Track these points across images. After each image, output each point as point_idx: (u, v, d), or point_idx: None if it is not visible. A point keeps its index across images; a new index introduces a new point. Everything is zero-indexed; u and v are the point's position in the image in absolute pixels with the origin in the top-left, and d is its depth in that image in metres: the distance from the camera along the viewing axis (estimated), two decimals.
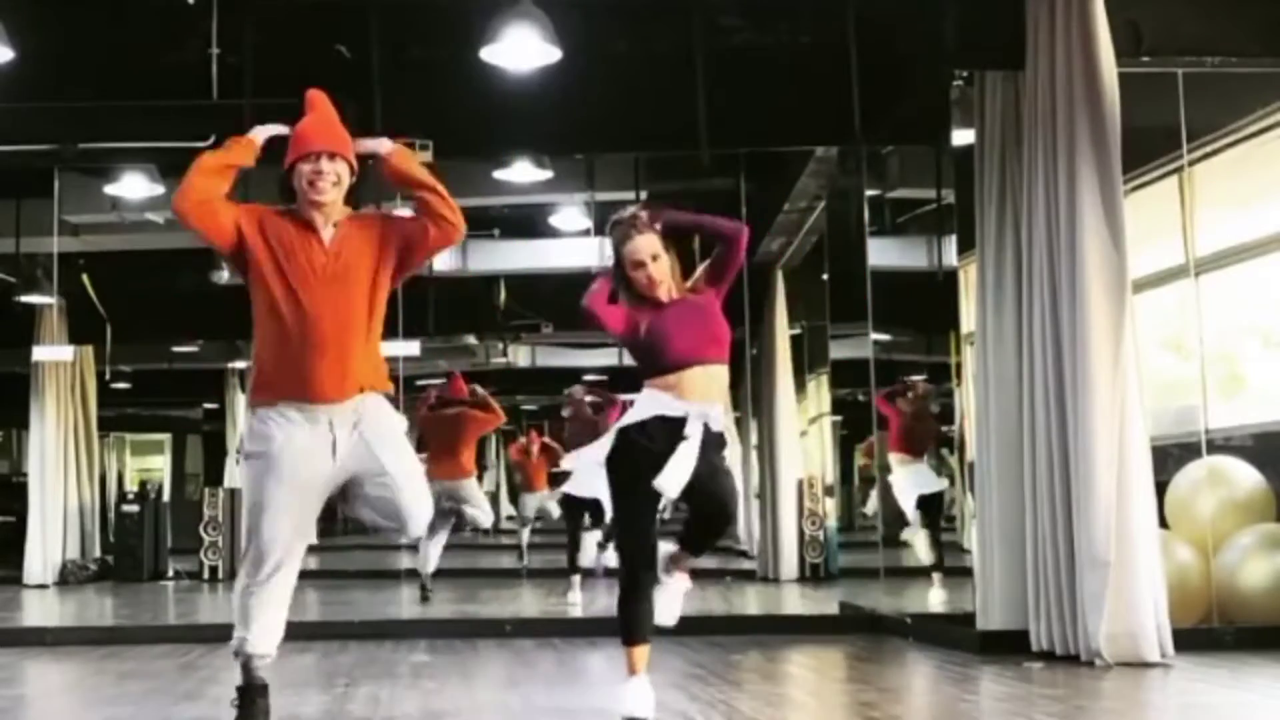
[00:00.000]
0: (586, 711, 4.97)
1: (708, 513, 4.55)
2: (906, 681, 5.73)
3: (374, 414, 4.11)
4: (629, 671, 4.58)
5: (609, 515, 9.53)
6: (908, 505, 9.19)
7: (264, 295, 4.05)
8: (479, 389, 10.49)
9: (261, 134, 4.20)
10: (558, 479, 18.38)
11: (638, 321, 4.55)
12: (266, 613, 4.15)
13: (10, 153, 7.89)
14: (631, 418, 4.49)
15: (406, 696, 5.34)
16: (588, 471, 9.50)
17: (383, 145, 4.24)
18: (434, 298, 12.89)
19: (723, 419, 4.57)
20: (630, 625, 4.56)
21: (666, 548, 4.59)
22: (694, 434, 4.40)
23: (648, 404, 4.49)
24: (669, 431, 4.39)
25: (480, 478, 11.33)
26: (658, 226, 4.57)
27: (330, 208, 4.12)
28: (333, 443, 4.03)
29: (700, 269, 4.68)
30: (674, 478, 4.37)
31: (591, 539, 10.53)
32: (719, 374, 4.56)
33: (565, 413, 10.82)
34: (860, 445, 11.87)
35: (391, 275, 4.19)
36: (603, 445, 4.57)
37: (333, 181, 4.08)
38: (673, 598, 4.61)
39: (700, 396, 4.46)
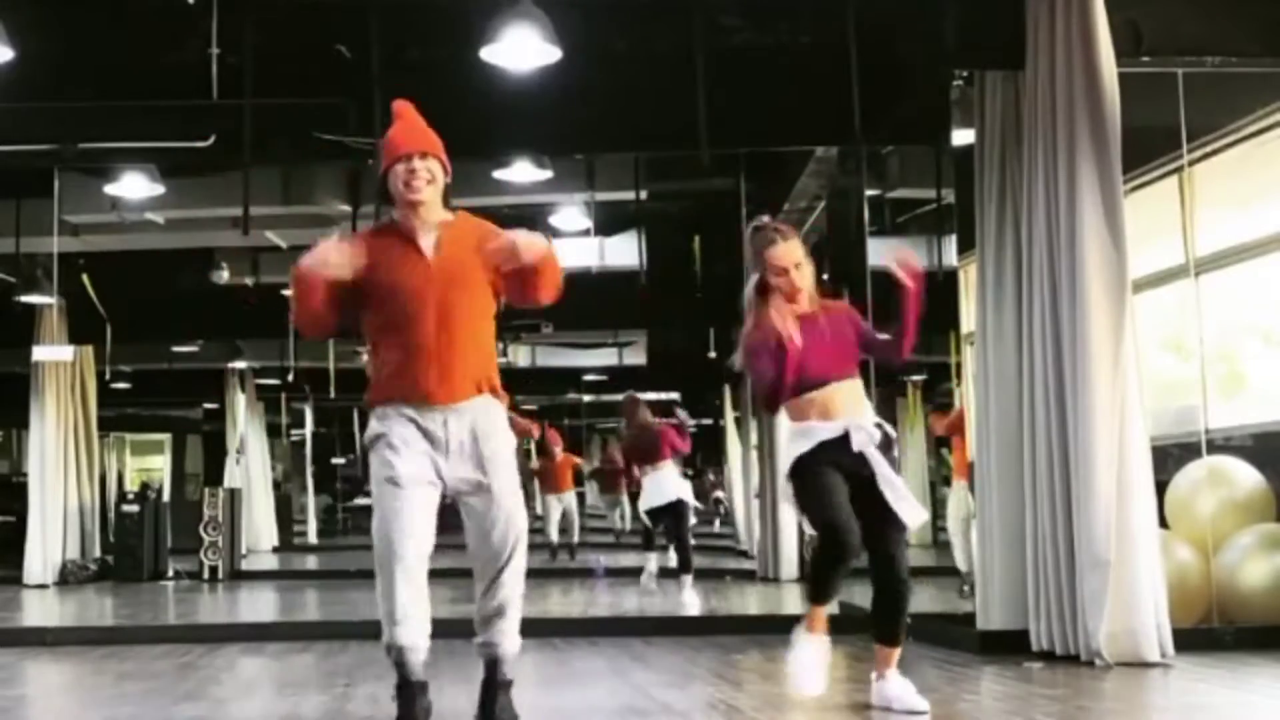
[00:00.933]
0: (586, 711, 4.96)
1: (876, 567, 4.58)
2: None
3: (487, 423, 4.09)
4: (808, 627, 4.57)
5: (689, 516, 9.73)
6: None
7: (377, 310, 4.09)
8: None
9: (318, 260, 4.09)
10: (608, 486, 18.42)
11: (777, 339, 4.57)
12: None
13: (10, 153, 7.88)
14: (800, 449, 4.56)
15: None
16: (655, 487, 9.68)
17: (534, 248, 4.03)
18: None
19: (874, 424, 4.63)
20: (821, 585, 4.57)
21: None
22: (862, 445, 4.50)
23: (802, 440, 4.57)
24: (837, 452, 4.49)
25: None
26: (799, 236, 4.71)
27: (428, 207, 4.13)
28: (445, 443, 4.03)
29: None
30: (909, 505, 4.52)
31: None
32: (855, 388, 4.66)
33: (626, 431, 10.57)
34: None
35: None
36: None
37: (427, 180, 4.10)
38: (906, 689, 4.57)
39: (844, 413, 4.55)
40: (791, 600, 10.33)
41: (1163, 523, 6.61)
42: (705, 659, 6.42)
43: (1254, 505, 6.83)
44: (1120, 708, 4.96)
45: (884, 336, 4.83)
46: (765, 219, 4.79)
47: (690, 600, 9.31)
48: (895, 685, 4.58)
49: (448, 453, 4.04)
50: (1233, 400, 7.60)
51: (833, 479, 4.50)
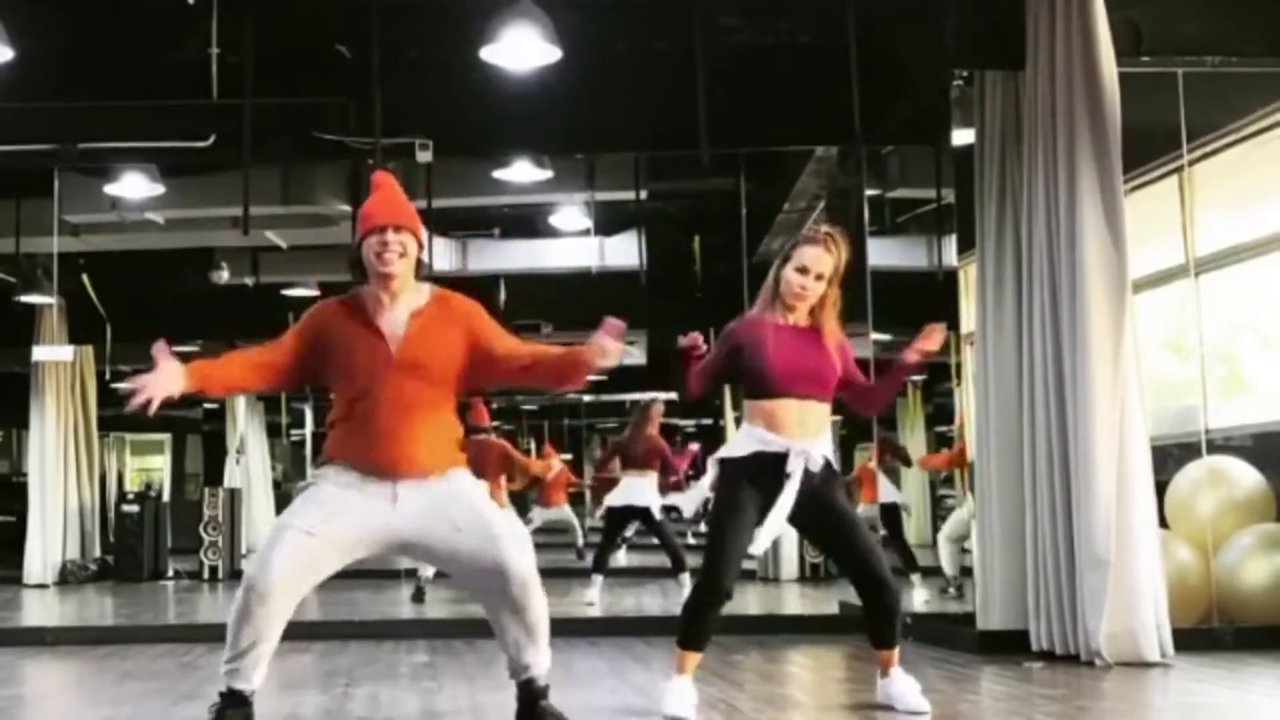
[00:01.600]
0: (586, 711, 4.96)
1: (866, 591, 4.59)
2: None
3: (448, 489, 4.07)
4: (677, 670, 4.63)
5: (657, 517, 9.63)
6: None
7: (335, 383, 4.12)
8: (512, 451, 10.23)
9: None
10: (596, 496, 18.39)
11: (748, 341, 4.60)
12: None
13: (10, 153, 7.88)
14: (735, 450, 4.57)
15: (406, 696, 5.34)
16: (629, 489, 9.61)
17: (610, 353, 3.97)
18: None
19: (827, 453, 4.59)
20: (694, 631, 4.62)
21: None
22: (795, 471, 4.45)
23: (745, 441, 4.56)
24: (770, 468, 4.47)
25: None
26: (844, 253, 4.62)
27: (400, 280, 4.11)
28: (393, 502, 4.00)
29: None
30: (767, 535, 4.51)
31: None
32: (817, 412, 4.59)
33: (628, 430, 10.34)
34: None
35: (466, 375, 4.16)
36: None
37: (399, 253, 4.06)
38: (910, 688, 4.58)
39: (794, 433, 4.50)
40: (791, 600, 10.34)
41: (1163, 523, 6.61)
42: (705, 659, 6.40)
43: (1254, 505, 6.83)
44: (1120, 708, 4.96)
45: (865, 382, 4.78)
46: (823, 226, 4.75)
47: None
48: (899, 684, 4.59)
49: (394, 518, 4.02)
50: (1232, 400, 7.61)
51: (745, 509, 4.49)
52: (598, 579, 9.79)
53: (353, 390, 4.06)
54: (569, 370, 4.09)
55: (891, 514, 9.74)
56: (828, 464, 4.56)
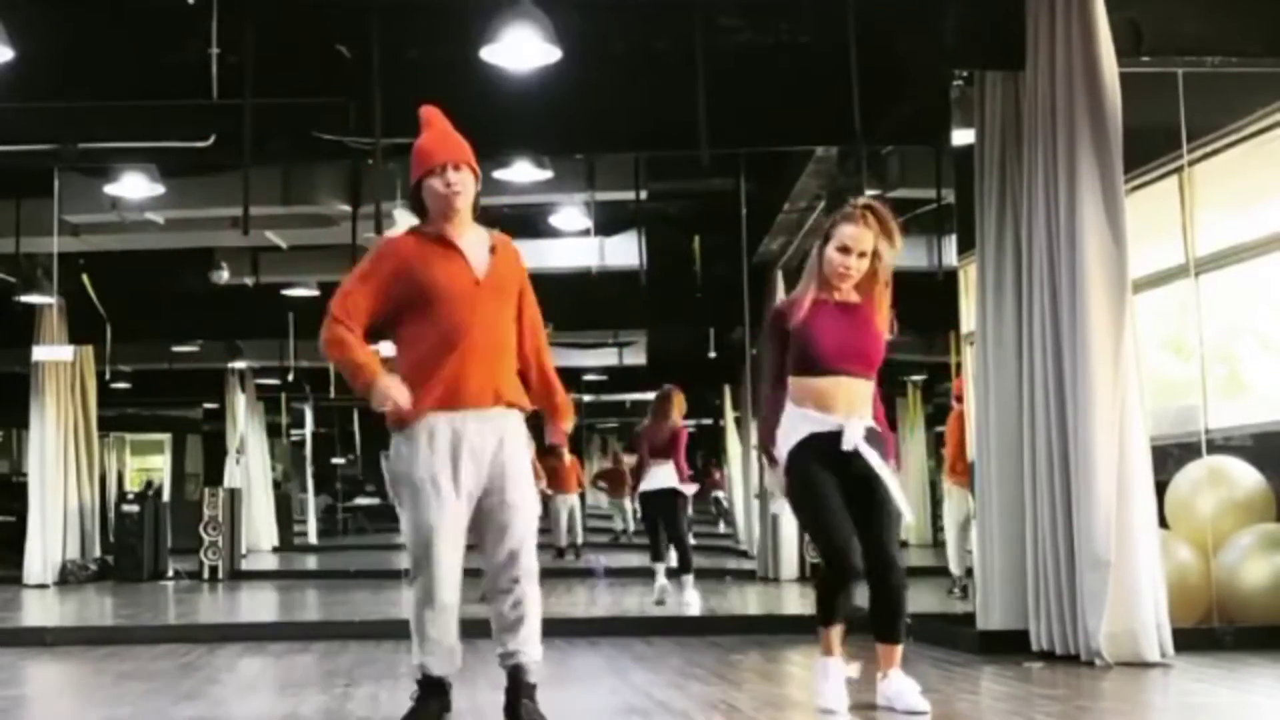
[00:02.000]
0: (586, 711, 4.97)
1: (874, 573, 4.55)
2: None
3: (512, 434, 4.15)
4: (823, 650, 4.61)
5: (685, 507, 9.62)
6: None
7: (418, 315, 4.09)
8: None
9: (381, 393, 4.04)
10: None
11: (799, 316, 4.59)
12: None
13: (10, 153, 7.88)
14: (791, 441, 4.57)
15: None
16: (654, 476, 9.61)
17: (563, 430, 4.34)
18: None
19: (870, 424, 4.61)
20: (828, 607, 4.59)
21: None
22: (853, 443, 4.47)
23: (798, 424, 4.56)
24: (828, 447, 4.49)
25: None
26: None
27: (462, 216, 4.16)
28: (474, 448, 4.06)
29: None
30: (897, 494, 4.52)
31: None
32: (864, 389, 4.60)
33: (649, 419, 10.41)
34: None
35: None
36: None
37: (461, 190, 4.13)
38: (908, 688, 4.57)
39: (842, 410, 4.52)
40: (791, 600, 10.33)
41: (1163, 523, 6.60)
42: (705, 659, 6.42)
43: (1254, 505, 6.82)
44: (1120, 708, 4.96)
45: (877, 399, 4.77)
46: (860, 200, 4.71)
47: (691, 600, 9.30)
48: (897, 684, 4.58)
49: (473, 457, 4.06)
50: (1233, 400, 7.60)
51: (827, 486, 4.50)
52: (659, 567, 9.80)
53: (439, 315, 4.04)
54: (551, 406, 4.36)
55: None
56: (874, 433, 4.57)
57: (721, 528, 22.13)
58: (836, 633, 4.60)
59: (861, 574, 4.48)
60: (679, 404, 9.88)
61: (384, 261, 4.13)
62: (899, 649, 4.62)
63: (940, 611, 8.34)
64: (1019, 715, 4.54)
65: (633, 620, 8.64)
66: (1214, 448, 7.03)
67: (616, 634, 7.58)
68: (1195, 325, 7.36)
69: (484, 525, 4.14)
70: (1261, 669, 5.61)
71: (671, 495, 9.65)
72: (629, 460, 10.44)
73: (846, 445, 4.47)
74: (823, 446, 4.50)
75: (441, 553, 4.04)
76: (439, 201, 4.11)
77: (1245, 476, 6.93)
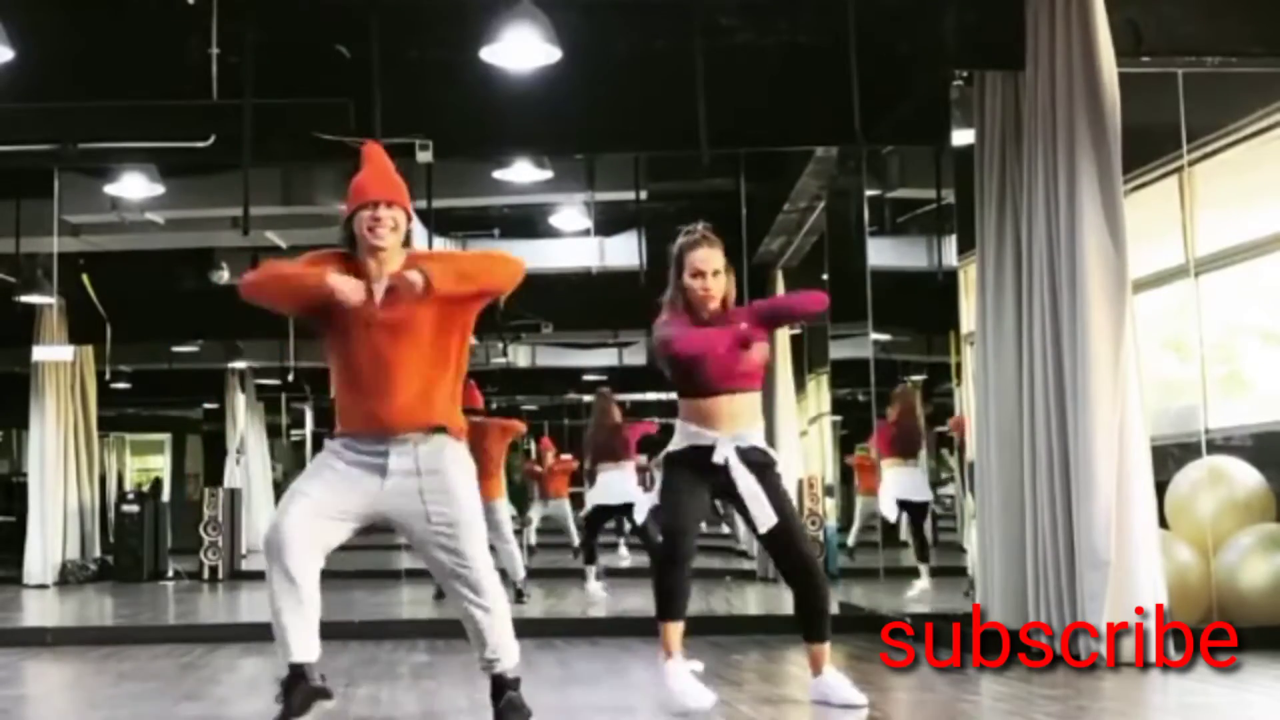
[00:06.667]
0: (586, 711, 4.97)
1: (794, 580, 4.83)
2: (906, 681, 5.73)
3: (436, 459, 4.17)
4: (664, 653, 4.67)
5: (639, 517, 9.62)
6: (888, 509, 9.25)
7: (331, 340, 4.23)
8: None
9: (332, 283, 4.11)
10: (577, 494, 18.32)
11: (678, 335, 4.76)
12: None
13: (10, 153, 7.88)
14: (673, 445, 4.82)
15: (406, 696, 5.34)
16: (617, 483, 9.66)
17: (417, 284, 4.09)
18: None
19: (759, 441, 4.80)
20: (668, 597, 4.70)
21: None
22: (724, 458, 4.67)
23: (678, 437, 4.81)
24: (704, 460, 4.69)
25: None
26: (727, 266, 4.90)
27: (388, 253, 4.21)
28: (384, 472, 4.13)
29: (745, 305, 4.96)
30: (761, 509, 4.67)
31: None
32: (747, 402, 4.80)
33: (590, 426, 10.42)
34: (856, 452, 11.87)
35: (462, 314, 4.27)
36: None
37: (390, 227, 4.19)
38: (841, 683, 4.72)
39: (724, 426, 4.72)
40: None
41: (1163, 523, 6.61)
42: (705, 659, 6.41)
43: (1254, 505, 6.83)
44: (1120, 708, 4.96)
45: (779, 299, 5.05)
46: (698, 225, 4.96)
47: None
48: (830, 679, 4.72)
49: (383, 486, 4.13)
50: (1232, 400, 7.61)
51: (691, 491, 4.72)
52: (590, 569, 9.80)
53: (344, 349, 4.18)
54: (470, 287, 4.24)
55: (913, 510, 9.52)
56: (763, 452, 4.76)
57: (724, 529, 22.10)
58: (676, 630, 4.69)
59: (691, 555, 4.68)
60: (614, 403, 10.01)
61: (324, 257, 4.27)
62: (827, 647, 4.80)
63: (941, 611, 8.32)
64: (1019, 715, 4.54)
65: (632, 620, 8.63)
66: (1214, 448, 7.03)
67: (616, 634, 7.58)
68: (1195, 325, 7.36)
69: (427, 552, 4.23)
70: (1261, 669, 5.61)
71: (628, 510, 9.70)
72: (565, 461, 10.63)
73: (717, 458, 4.68)
74: (699, 459, 4.74)
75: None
76: (367, 237, 4.20)
77: (1245, 477, 6.94)
